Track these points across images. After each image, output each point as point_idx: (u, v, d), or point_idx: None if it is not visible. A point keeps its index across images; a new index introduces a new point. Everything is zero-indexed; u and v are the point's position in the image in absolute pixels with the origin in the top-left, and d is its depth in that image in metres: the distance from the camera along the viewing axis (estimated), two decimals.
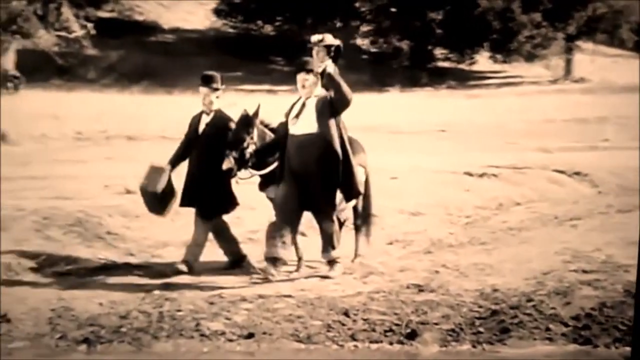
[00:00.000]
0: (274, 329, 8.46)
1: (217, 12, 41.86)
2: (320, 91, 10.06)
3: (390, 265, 10.59)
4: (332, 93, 9.89)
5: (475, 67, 43.09)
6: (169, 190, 10.66)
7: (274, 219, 10.07)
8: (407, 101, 30.30)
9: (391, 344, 8.22)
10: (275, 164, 10.23)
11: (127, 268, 10.48)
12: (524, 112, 28.16)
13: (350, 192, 10.20)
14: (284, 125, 10.14)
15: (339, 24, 39.83)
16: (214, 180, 10.44)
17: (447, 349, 8.16)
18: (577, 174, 16.36)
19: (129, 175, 14.10)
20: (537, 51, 42.31)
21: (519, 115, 27.41)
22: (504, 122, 25.77)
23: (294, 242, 10.36)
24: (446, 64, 42.58)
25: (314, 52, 10.74)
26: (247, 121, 10.23)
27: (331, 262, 10.09)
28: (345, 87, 9.82)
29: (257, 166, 10.32)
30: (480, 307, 8.71)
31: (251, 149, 10.17)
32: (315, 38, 10.86)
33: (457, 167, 16.23)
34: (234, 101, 25.50)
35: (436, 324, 8.43)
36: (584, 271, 9.34)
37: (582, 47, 44.77)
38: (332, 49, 10.80)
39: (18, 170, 16.05)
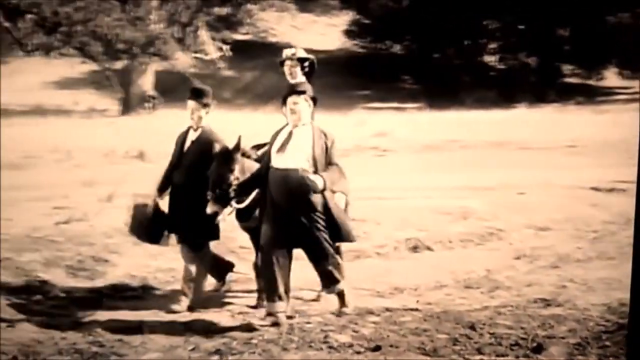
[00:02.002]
0: (400, 342, 8.48)
1: (348, 33, 42.12)
2: (308, 118, 9.21)
3: (517, 280, 10.61)
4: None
5: (603, 83, 42.40)
6: (159, 218, 9.92)
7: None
8: (535, 117, 29.96)
9: (517, 357, 8.15)
10: (254, 193, 9.40)
11: None
12: None
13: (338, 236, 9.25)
14: (267, 156, 9.21)
15: (466, 42, 39.71)
16: (197, 203, 9.41)
17: None
18: None
19: None
20: None
21: None
22: (632, 138, 25.25)
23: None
24: (574, 80, 41.98)
25: (286, 68, 10.05)
26: (228, 156, 9.30)
27: (340, 295, 9.39)
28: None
29: (239, 199, 9.37)
30: (607, 321, 8.66)
31: (234, 185, 9.25)
32: (287, 52, 10.14)
33: (585, 182, 16.09)
34: (363, 119, 25.88)
35: (563, 337, 8.37)
36: None
37: None
38: (306, 64, 10.10)
39: (155, 187, 16.42)
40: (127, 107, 29.55)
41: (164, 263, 11.05)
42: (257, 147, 9.78)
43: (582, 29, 38.98)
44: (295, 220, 8.98)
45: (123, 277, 10.74)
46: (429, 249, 12.14)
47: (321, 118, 23.77)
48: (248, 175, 9.32)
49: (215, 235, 9.86)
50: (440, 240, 12.36)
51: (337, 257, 9.28)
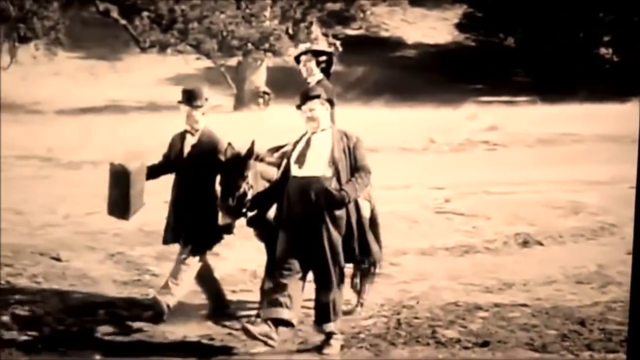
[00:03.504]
0: (509, 338, 8.47)
1: (459, 27, 41.86)
2: (328, 122, 8.46)
3: (629, 275, 10.45)
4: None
5: None
6: (140, 193, 9.24)
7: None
8: None
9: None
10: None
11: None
12: None
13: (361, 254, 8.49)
14: (286, 167, 8.46)
15: (581, 34, 39.12)
16: (201, 210, 9.03)
17: None
18: None
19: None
20: None
21: None
22: None
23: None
24: None
25: (302, 64, 9.39)
26: (239, 163, 8.56)
27: (328, 336, 8.38)
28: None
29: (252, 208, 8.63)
30: None
31: (249, 195, 8.50)
32: (302, 47, 9.61)
33: None
34: (474, 112, 25.72)
35: None
36: None
37: None
38: (322, 58, 9.42)
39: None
40: (240, 103, 29.83)
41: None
42: (274, 150, 9.02)
43: None
44: (310, 234, 8.19)
45: (233, 270, 10.84)
46: (539, 243, 12.02)
47: (432, 113, 23.71)
48: (261, 180, 8.61)
49: (218, 238, 9.26)
50: (551, 235, 12.22)
51: (339, 289, 8.33)
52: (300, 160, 8.30)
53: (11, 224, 12.60)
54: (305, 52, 9.39)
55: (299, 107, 8.45)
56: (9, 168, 17.17)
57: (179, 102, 9.19)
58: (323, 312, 8.31)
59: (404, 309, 9.38)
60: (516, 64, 38.66)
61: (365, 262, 9.07)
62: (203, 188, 9.03)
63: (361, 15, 39.53)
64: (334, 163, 8.22)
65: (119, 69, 32.62)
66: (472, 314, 9.13)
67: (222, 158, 8.92)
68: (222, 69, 29.95)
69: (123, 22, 28.50)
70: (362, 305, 9.49)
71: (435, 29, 42.16)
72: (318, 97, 8.41)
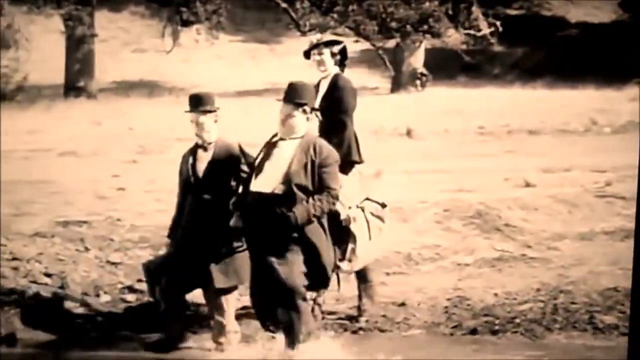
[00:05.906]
0: None
1: (624, 5, 40.91)
2: (302, 132, 7.41)
3: None
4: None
5: None
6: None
7: None
8: None
9: None
10: None
11: (524, 260, 10.48)
12: None
13: (318, 281, 7.44)
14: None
15: None
16: (223, 238, 7.76)
17: None
18: None
19: (529, 168, 14.24)
20: None
21: None
22: None
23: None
24: None
25: (313, 57, 8.44)
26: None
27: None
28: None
29: None
30: None
31: None
32: (313, 39, 8.57)
33: None
34: (638, 94, 25.03)
35: None
36: None
37: None
38: (336, 49, 8.43)
39: (422, 164, 16.45)
40: (397, 85, 29.77)
41: (430, 239, 11.10)
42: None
43: None
44: (263, 257, 7.25)
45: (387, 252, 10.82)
46: None
47: (594, 94, 23.23)
48: None
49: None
50: None
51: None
52: (258, 170, 7.37)
53: (168, 204, 12.84)
54: (317, 46, 8.43)
55: (284, 100, 7.46)
56: (168, 150, 17.56)
57: (186, 111, 8.08)
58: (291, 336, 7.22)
59: (561, 293, 9.22)
60: None
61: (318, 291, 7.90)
62: (225, 211, 7.64)
63: None
64: (288, 179, 7.21)
65: (279, 52, 32.97)
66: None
67: (246, 169, 7.82)
68: (380, 51, 29.95)
69: (284, 5, 28.81)
70: (361, 312, 8.83)
71: (599, 8, 41.22)
72: (304, 104, 7.41)
